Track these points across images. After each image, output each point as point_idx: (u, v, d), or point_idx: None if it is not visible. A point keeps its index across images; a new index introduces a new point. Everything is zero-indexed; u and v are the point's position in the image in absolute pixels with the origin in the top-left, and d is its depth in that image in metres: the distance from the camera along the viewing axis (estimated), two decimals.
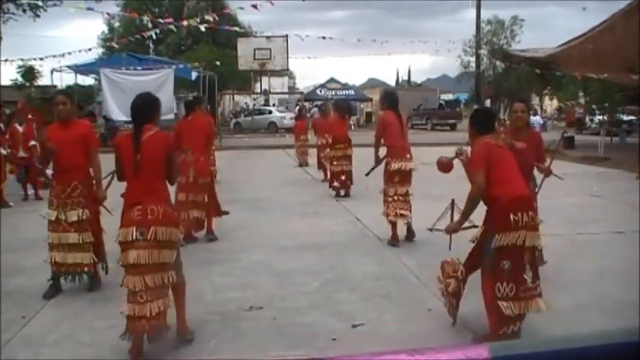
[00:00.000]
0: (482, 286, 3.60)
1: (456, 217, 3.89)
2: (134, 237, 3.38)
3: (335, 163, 9.55)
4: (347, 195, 9.50)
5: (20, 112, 10.15)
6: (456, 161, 3.97)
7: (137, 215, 3.41)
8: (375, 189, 7.31)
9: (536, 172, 4.78)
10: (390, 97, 6.61)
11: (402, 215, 6.13)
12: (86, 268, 4.68)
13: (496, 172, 3.57)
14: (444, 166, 4.08)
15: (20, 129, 9.51)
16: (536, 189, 4.76)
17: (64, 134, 4.56)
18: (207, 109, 8.47)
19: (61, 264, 4.61)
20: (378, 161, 6.43)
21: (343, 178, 9.44)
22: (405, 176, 6.16)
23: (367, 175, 6.66)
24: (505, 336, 3.43)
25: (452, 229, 3.88)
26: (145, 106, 3.62)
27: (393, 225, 6.24)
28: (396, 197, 6.12)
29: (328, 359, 1.10)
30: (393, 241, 6.22)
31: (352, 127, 12.23)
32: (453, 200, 3.98)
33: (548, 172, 4.77)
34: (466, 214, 3.75)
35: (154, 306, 3.39)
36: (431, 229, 4.13)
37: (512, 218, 3.42)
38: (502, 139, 3.99)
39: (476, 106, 23.18)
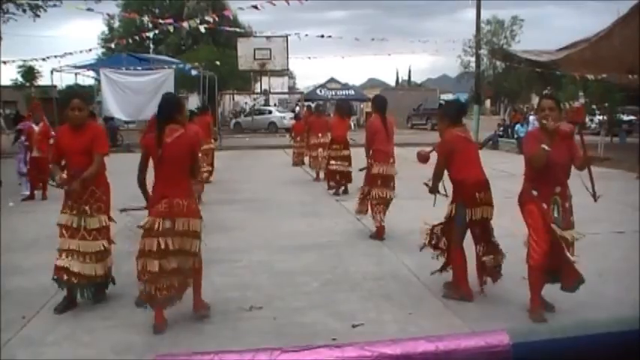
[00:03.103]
0: (452, 252, 4.48)
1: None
2: (161, 227, 3.76)
3: (332, 162, 9.69)
4: (345, 192, 9.61)
5: (35, 110, 10.07)
6: (433, 154, 4.74)
7: (164, 208, 3.78)
8: None
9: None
10: (376, 101, 6.78)
11: (376, 215, 6.42)
12: (99, 280, 4.40)
13: (459, 158, 4.31)
14: (422, 157, 4.86)
15: (36, 128, 9.42)
16: (591, 189, 4.11)
17: (77, 140, 4.29)
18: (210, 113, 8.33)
19: (74, 273, 4.23)
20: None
21: (338, 177, 9.66)
22: (386, 180, 6.39)
23: (361, 170, 6.89)
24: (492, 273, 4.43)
25: (432, 189, 4.65)
26: (167, 106, 3.92)
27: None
28: (377, 200, 6.38)
29: (345, 345, 1.08)
30: (379, 237, 6.50)
31: (352, 127, 12.20)
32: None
33: (587, 162, 3.99)
34: (434, 184, 4.60)
35: (174, 280, 3.87)
36: (427, 184, 4.72)
37: (477, 196, 4.28)
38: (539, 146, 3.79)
39: (475, 106, 23.15)
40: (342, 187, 9.71)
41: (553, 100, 4.00)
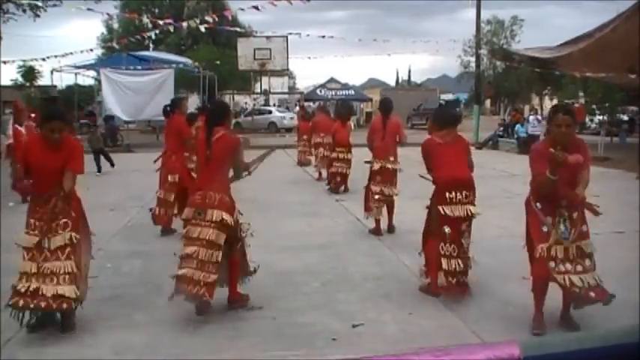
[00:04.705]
0: (425, 245, 4.62)
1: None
2: (192, 216, 4.09)
3: (335, 164, 9.95)
4: (345, 190, 9.85)
5: (20, 112, 10.01)
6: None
7: (198, 199, 4.12)
8: None
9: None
10: (381, 103, 7.26)
11: (379, 211, 6.63)
12: (65, 305, 3.80)
13: (434, 161, 4.63)
14: None
15: (22, 130, 9.38)
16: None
17: (53, 157, 3.89)
18: (186, 109, 7.91)
19: (36, 295, 3.76)
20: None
21: (339, 179, 9.92)
22: (386, 176, 6.61)
23: (366, 162, 7.15)
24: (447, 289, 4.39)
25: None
26: (215, 111, 4.40)
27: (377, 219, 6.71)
28: (377, 196, 6.59)
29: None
30: (376, 232, 6.68)
31: (352, 127, 12.17)
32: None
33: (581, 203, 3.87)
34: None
35: (198, 274, 3.94)
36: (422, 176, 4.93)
37: (447, 196, 4.40)
38: (553, 153, 3.56)
39: (475, 106, 23.18)
40: (342, 187, 9.94)
41: (570, 116, 3.78)
